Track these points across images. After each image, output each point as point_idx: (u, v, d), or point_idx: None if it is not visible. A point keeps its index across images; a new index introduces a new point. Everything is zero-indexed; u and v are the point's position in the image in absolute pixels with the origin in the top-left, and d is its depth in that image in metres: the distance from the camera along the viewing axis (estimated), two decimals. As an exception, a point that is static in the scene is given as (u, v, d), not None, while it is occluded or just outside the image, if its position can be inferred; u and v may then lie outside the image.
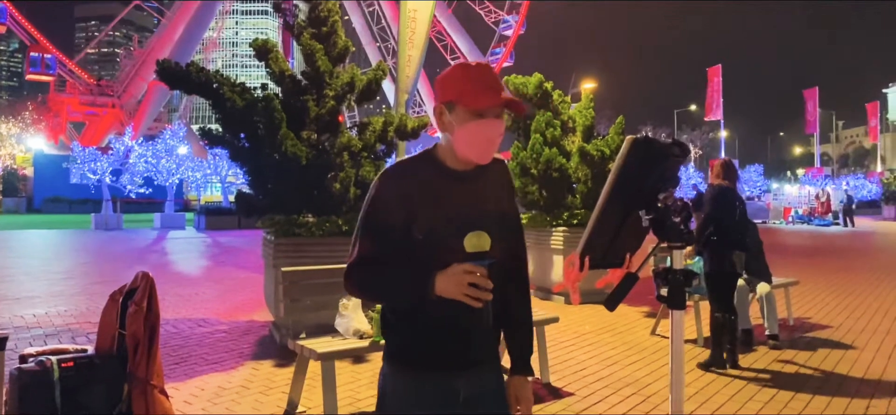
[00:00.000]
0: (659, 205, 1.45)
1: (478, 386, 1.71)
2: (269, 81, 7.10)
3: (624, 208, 1.48)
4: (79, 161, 26.31)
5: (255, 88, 6.76)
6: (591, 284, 8.36)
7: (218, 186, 37.31)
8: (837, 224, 31.07)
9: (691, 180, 44.63)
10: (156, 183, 27.93)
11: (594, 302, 8.05)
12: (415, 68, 9.33)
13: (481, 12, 71.22)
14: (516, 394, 1.82)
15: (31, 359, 2.88)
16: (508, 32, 69.43)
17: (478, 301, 1.49)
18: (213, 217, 26.40)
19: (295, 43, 7.09)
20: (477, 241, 1.46)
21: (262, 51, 6.89)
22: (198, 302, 8.54)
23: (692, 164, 58.66)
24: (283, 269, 4.38)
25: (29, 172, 49.29)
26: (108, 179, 26.29)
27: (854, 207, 32.01)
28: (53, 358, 2.84)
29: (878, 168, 64.26)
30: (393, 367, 1.72)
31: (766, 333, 6.09)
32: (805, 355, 5.67)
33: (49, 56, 52.66)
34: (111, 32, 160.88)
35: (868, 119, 62.56)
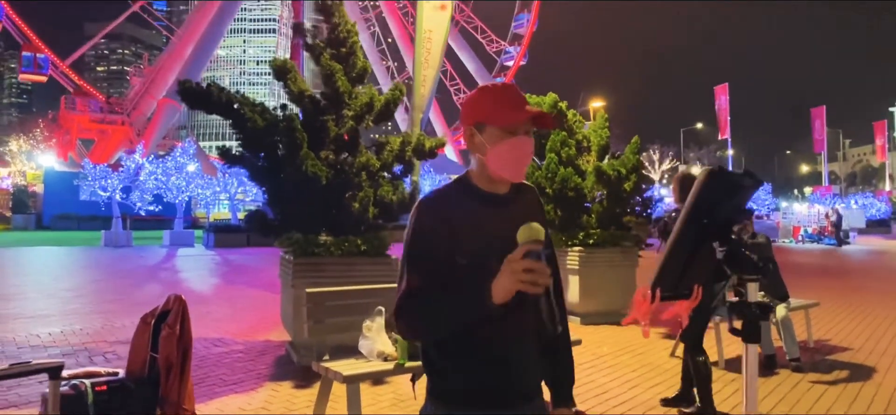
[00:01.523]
0: (733, 236, 1.44)
1: None
2: (287, 101, 7.13)
3: (696, 240, 1.47)
4: (90, 178, 26.47)
5: (274, 108, 6.80)
6: (606, 306, 8.25)
7: (226, 203, 37.42)
8: (847, 243, 30.93)
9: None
10: (165, 200, 28.03)
11: (607, 323, 8.03)
12: (429, 88, 9.35)
13: (483, 41, 71.91)
14: None
15: (63, 382, 2.87)
16: (509, 63, 70.17)
17: (537, 286, 1.42)
18: (222, 234, 26.46)
19: (307, 62, 7.13)
20: (530, 232, 1.42)
21: (281, 71, 6.93)
22: (211, 321, 8.53)
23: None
24: (308, 290, 4.37)
25: (39, 188, 49.55)
26: (118, 196, 26.41)
27: (844, 224, 31.87)
28: (87, 382, 2.83)
29: (887, 187, 63.97)
30: (440, 408, 1.65)
31: (787, 357, 6.02)
32: (828, 379, 5.61)
33: (41, 56, 52.78)
34: (120, 51, 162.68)
35: (875, 137, 62.39)
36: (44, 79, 55.53)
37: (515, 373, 1.64)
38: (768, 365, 5.89)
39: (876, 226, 45.94)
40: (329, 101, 6.83)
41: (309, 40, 7.13)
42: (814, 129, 54.83)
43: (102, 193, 26.18)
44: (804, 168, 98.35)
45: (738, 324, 1.46)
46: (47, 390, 2.97)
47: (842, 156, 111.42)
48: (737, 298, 1.49)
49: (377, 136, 9.12)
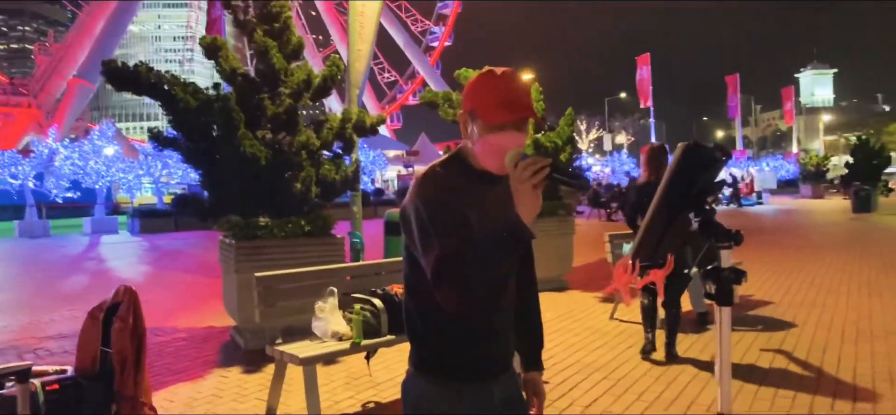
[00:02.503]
0: (706, 207, 1.54)
1: (509, 388, 1.75)
2: (219, 80, 6.90)
3: (671, 212, 1.56)
4: (-3, 166, 24.71)
5: (207, 88, 6.57)
6: (546, 273, 8.48)
7: (151, 187, 35.81)
8: (761, 204, 32.93)
9: (624, 167, 46.17)
10: (83, 186, 26.52)
11: (548, 290, 8.28)
12: (364, 63, 9.26)
13: (408, 20, 71.67)
14: (534, 389, 1.89)
15: (10, 383, 2.74)
16: (435, 44, 70.48)
17: (544, 171, 1.44)
18: (148, 220, 25.32)
19: (227, 37, 6.91)
20: (513, 153, 1.49)
21: (212, 48, 6.67)
22: (149, 310, 8.09)
23: (624, 150, 60.53)
24: (257, 274, 4.30)
25: (-63, 179, 45.83)
26: (31, 184, 24.80)
27: (739, 187, 33.99)
28: (37, 381, 2.72)
29: (794, 149, 67.93)
30: (428, 379, 1.67)
31: (697, 311, 6.41)
32: (753, 334, 6.00)
33: None
34: (21, 28, 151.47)
35: (783, 103, 65.94)
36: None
37: (499, 343, 1.71)
38: (701, 322, 6.25)
39: (786, 186, 48.89)
40: (264, 78, 6.65)
41: (240, 16, 6.90)
42: (729, 95, 57.40)
43: (13, 181, 24.49)
44: (719, 134, 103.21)
45: (711, 288, 1.58)
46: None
47: (754, 121, 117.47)
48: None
49: (308, 112, 8.94)
